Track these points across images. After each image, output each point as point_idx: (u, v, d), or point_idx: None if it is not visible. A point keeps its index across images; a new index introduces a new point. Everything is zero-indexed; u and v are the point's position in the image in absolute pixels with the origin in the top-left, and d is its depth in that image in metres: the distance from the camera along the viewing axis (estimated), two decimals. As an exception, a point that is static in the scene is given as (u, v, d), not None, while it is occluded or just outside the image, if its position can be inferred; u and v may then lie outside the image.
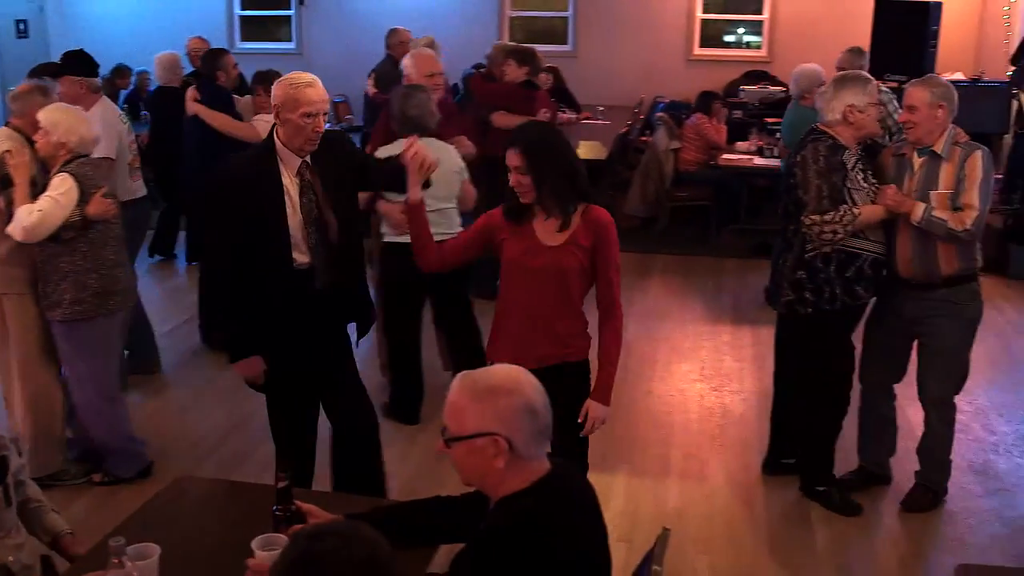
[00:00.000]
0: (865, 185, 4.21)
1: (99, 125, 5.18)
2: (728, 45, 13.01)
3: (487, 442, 2.20)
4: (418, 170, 3.49)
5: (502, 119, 6.98)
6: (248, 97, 6.37)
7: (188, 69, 7.97)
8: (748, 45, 12.94)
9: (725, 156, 9.19)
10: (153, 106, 8.31)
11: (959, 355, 4.36)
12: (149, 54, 8.11)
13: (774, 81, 12.07)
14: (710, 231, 9.18)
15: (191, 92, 6.26)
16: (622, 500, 4.56)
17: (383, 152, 4.68)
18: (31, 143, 4.44)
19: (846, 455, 4.70)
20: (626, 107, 11.52)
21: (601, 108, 10.97)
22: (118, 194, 5.30)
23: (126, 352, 5.72)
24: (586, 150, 8.91)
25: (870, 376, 4.58)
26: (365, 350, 4.78)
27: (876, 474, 4.71)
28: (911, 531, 4.39)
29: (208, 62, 6.35)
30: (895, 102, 6.38)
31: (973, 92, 8.26)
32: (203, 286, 6.41)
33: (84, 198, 4.27)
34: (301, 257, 3.62)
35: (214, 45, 7.59)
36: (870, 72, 7.52)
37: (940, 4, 9.92)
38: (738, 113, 10.74)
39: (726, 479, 4.83)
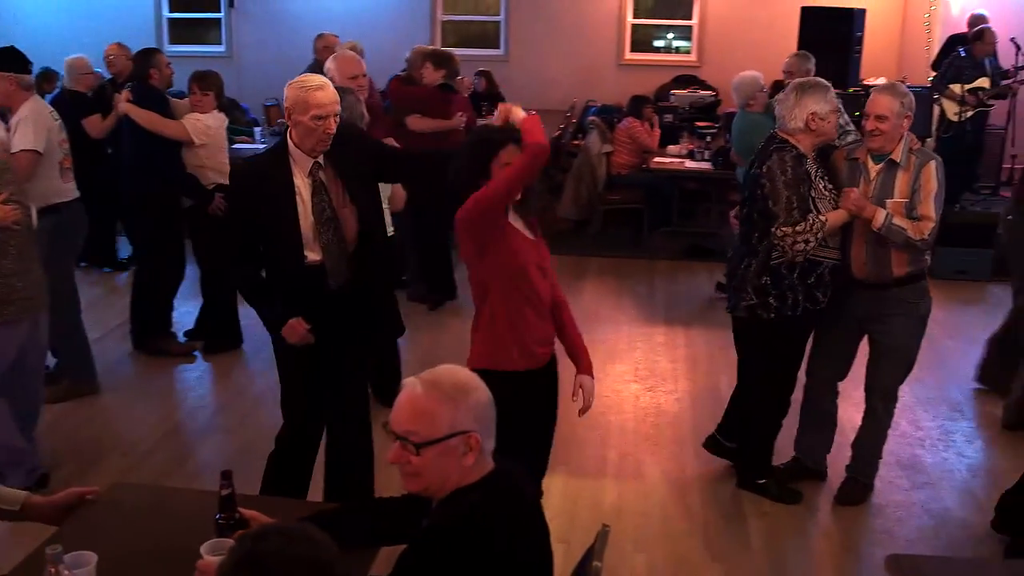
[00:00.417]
0: (826, 193, 4.31)
1: (30, 119, 5.10)
2: (658, 50, 13.16)
3: (460, 441, 2.21)
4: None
5: (417, 123, 6.99)
6: (186, 100, 6.31)
7: (114, 77, 7.81)
8: (678, 50, 13.09)
9: (656, 159, 9.30)
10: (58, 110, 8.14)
11: (911, 350, 4.51)
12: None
13: (704, 85, 12.24)
14: (642, 234, 9.27)
15: (124, 93, 6.18)
16: (559, 500, 4.59)
17: None
18: None
19: (781, 447, 4.82)
20: (558, 111, 11.58)
21: (533, 112, 10.99)
22: (48, 195, 5.23)
23: (55, 362, 5.64)
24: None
25: (817, 372, 4.71)
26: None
27: (810, 468, 4.81)
28: (842, 524, 4.49)
29: (141, 62, 6.28)
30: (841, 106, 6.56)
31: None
32: (138, 289, 6.37)
33: None
34: (313, 256, 3.68)
35: (142, 47, 7.48)
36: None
37: (864, 11, 10.16)
38: (669, 117, 10.87)
39: (662, 477, 4.89)
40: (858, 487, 4.67)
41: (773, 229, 4.23)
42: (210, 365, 6.26)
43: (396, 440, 2.25)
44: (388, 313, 3.97)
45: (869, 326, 4.50)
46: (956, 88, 9.14)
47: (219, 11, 13.07)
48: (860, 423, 4.68)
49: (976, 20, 9.60)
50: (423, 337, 6.70)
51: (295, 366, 3.87)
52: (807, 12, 10.35)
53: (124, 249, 8.34)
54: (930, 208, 4.21)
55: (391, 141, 5.56)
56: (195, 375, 6.14)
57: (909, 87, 8.62)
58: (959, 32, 9.92)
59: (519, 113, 3.41)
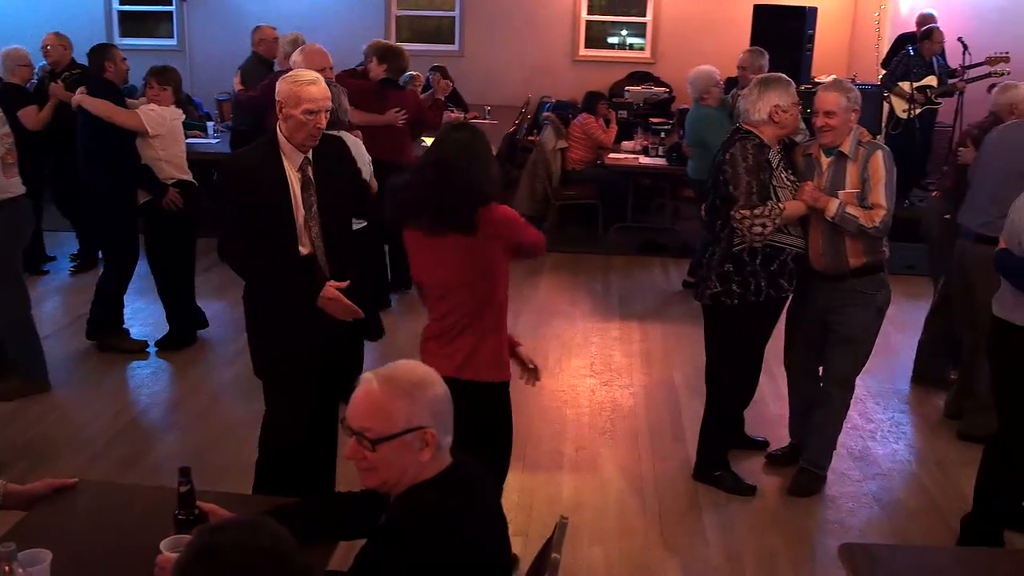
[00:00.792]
0: (788, 183, 4.43)
1: None
2: (612, 47, 13.22)
3: (416, 436, 2.20)
4: None
5: (356, 116, 6.97)
6: (142, 99, 6.26)
7: (51, 67, 7.70)
8: (632, 47, 13.16)
9: (611, 155, 9.34)
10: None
11: (866, 341, 4.61)
12: (26, 50, 7.83)
13: (658, 82, 12.33)
14: (598, 229, 9.31)
15: (80, 89, 6.12)
16: (516, 494, 4.61)
17: None
18: None
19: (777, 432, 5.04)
20: (513, 107, 11.61)
21: (488, 108, 11.03)
22: None
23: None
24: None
25: (793, 361, 4.86)
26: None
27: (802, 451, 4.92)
28: (796, 516, 4.55)
29: (96, 56, 6.22)
30: None
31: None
32: (104, 282, 6.29)
33: None
34: (304, 248, 3.71)
35: (92, 40, 7.39)
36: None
37: (815, 10, 10.28)
38: (623, 113, 10.92)
39: (618, 471, 4.92)
40: (810, 478, 4.74)
41: (732, 212, 4.34)
42: (164, 361, 6.20)
43: (352, 436, 2.25)
44: (371, 312, 3.97)
45: (827, 316, 4.60)
46: (905, 86, 9.28)
47: (170, 4, 12.93)
48: (817, 411, 4.76)
49: (925, 19, 9.74)
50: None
51: (300, 371, 3.82)
52: (759, 10, 10.46)
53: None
54: (880, 196, 4.33)
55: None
56: (149, 371, 6.08)
57: (859, 85, 8.75)
58: (908, 31, 10.06)
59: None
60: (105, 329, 6.30)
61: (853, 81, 9.92)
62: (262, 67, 8.11)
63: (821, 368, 4.84)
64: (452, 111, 9.56)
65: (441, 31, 13.14)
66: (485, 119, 10.61)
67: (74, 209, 7.86)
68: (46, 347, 5.79)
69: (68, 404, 5.56)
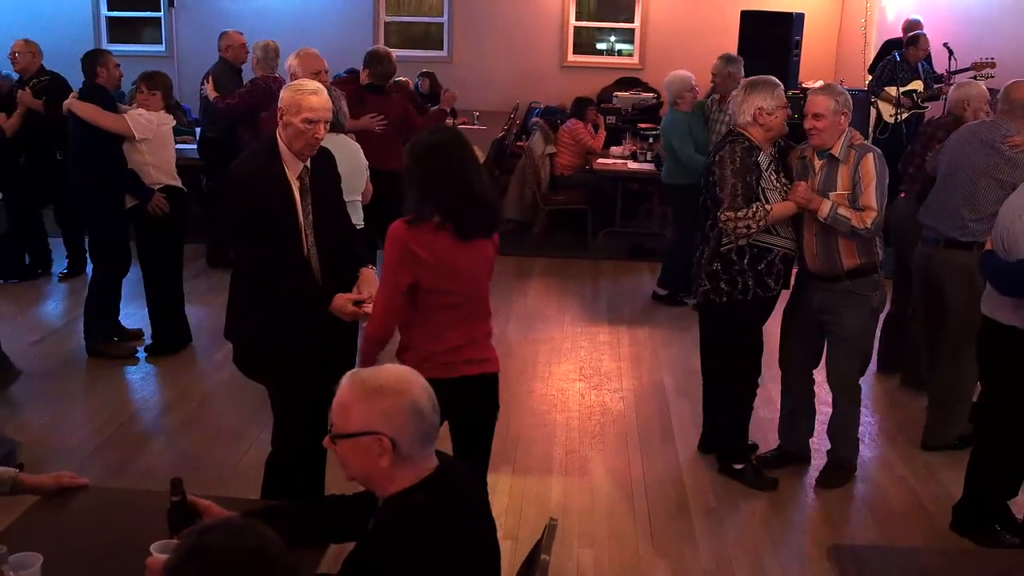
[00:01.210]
0: (778, 185, 4.50)
1: None
2: (601, 52, 13.25)
3: (371, 441, 2.20)
4: None
5: None
6: (134, 105, 6.27)
7: (19, 74, 7.69)
8: (620, 52, 13.20)
9: (600, 160, 9.37)
10: None
11: (861, 341, 4.67)
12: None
13: (646, 87, 12.36)
14: (586, 234, 9.33)
15: (73, 94, 6.16)
16: (506, 498, 4.62)
17: None
18: None
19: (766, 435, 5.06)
20: (502, 112, 11.62)
21: (477, 113, 11.05)
22: None
23: None
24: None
25: (787, 362, 4.90)
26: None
27: (795, 454, 4.98)
28: (784, 519, 4.58)
29: (89, 61, 6.23)
30: None
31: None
32: (93, 285, 6.28)
33: None
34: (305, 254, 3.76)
35: (81, 47, 7.39)
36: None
37: (802, 15, 10.34)
38: (611, 119, 10.95)
39: (607, 475, 4.94)
40: (839, 471, 4.84)
41: (718, 213, 4.43)
42: (154, 367, 6.20)
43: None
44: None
45: (822, 317, 4.66)
46: (891, 90, 9.34)
47: (158, 10, 12.90)
48: (831, 411, 4.87)
49: (911, 26, 9.79)
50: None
51: (302, 371, 3.82)
52: (747, 16, 10.50)
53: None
54: (871, 198, 4.37)
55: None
56: (139, 376, 6.07)
57: (847, 90, 8.75)
58: (895, 37, 10.12)
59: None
60: (97, 333, 6.29)
61: (840, 86, 10.03)
62: (230, 73, 8.15)
63: (814, 369, 4.90)
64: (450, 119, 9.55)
65: (430, 37, 13.15)
66: (474, 124, 10.62)
67: (59, 216, 7.87)
68: (39, 351, 5.79)
69: (59, 409, 5.55)
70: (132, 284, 6.51)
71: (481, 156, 9.14)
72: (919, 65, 9.38)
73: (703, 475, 4.92)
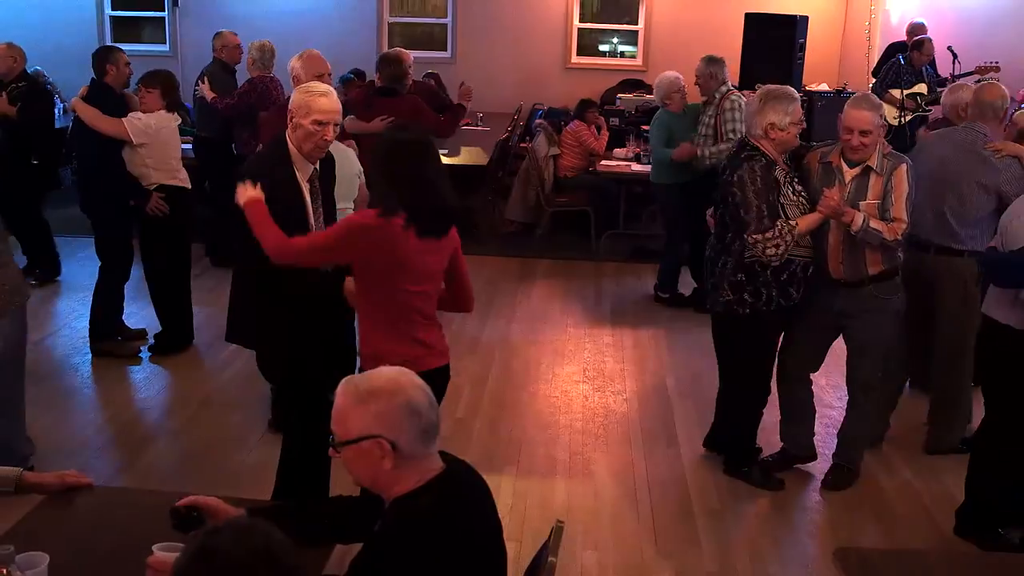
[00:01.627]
0: (795, 199, 4.47)
1: None
2: (604, 54, 13.26)
3: (372, 445, 2.21)
4: None
5: (349, 124, 6.99)
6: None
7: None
8: (623, 54, 13.20)
9: (603, 162, 9.36)
10: None
11: (886, 343, 4.69)
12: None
13: (649, 90, 12.33)
14: (590, 236, 9.33)
15: (82, 90, 6.16)
16: (510, 499, 4.61)
17: None
18: None
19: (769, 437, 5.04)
20: (505, 114, 11.62)
21: (480, 114, 11.05)
22: None
23: None
24: (467, 156, 9.00)
25: (790, 366, 4.87)
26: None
27: (798, 455, 4.97)
28: (788, 521, 4.58)
29: (99, 58, 6.24)
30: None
31: (838, 103, 8.60)
32: (98, 282, 6.29)
33: None
34: None
35: (85, 46, 7.42)
36: (740, 81, 7.78)
37: (807, 18, 10.34)
38: (615, 121, 10.94)
39: (611, 477, 4.93)
40: (845, 473, 4.85)
41: (745, 236, 4.41)
42: (157, 366, 6.20)
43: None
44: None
45: (844, 322, 4.66)
46: (896, 93, 9.34)
47: (163, 10, 12.92)
48: (845, 413, 4.89)
49: (915, 29, 9.80)
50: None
51: (314, 369, 3.84)
52: (751, 18, 10.51)
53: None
54: (902, 211, 4.38)
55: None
56: (142, 376, 6.08)
57: (850, 93, 8.76)
58: (899, 40, 10.13)
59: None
60: (101, 332, 6.30)
61: (843, 89, 10.04)
62: (224, 73, 8.21)
63: (813, 374, 4.91)
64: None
65: (433, 38, 13.15)
66: (477, 126, 10.63)
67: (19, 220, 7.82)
68: (41, 351, 5.79)
69: (62, 408, 5.55)
70: (137, 283, 6.51)
71: (485, 157, 9.16)
72: (923, 69, 9.39)
73: (707, 477, 4.92)
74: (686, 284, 7.66)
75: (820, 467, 4.97)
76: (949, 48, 9.09)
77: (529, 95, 12.42)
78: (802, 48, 10.21)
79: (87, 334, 6.39)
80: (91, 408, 5.60)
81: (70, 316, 6.93)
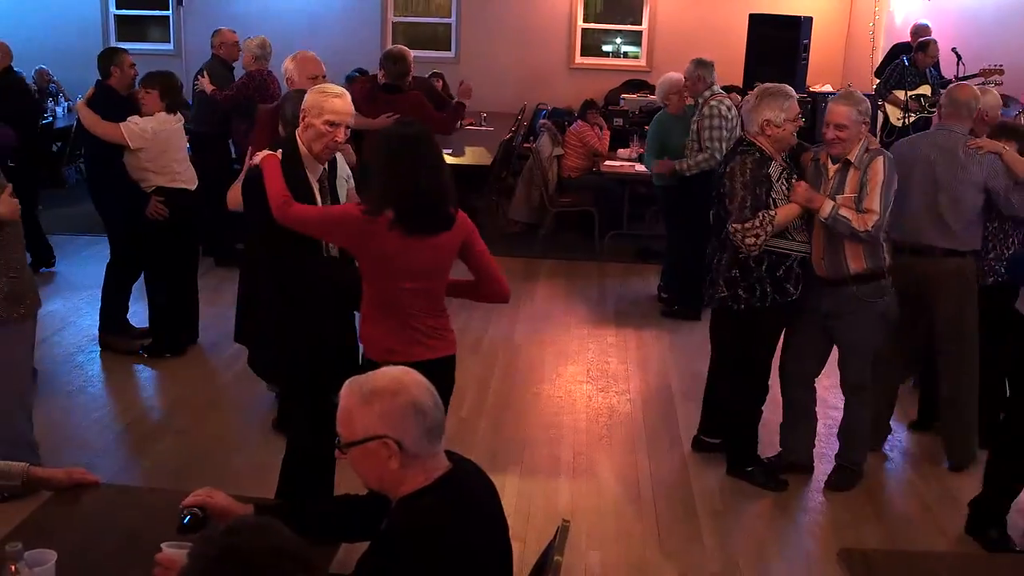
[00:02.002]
0: (787, 194, 4.48)
1: None
2: (608, 55, 13.26)
3: (378, 445, 2.22)
4: None
5: (354, 120, 7.01)
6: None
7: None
8: (627, 55, 13.20)
9: (607, 163, 9.37)
10: None
11: (869, 345, 4.66)
12: (24, 54, 7.85)
13: (653, 90, 12.33)
14: (593, 237, 9.33)
15: (89, 92, 6.18)
16: (514, 499, 4.62)
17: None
18: None
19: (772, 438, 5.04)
20: (509, 114, 11.62)
21: (484, 114, 11.06)
22: None
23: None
24: (471, 156, 9.01)
25: (790, 368, 4.87)
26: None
27: (795, 463, 4.95)
28: (792, 522, 4.59)
29: (103, 60, 6.27)
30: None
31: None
32: (105, 278, 6.32)
33: None
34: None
35: (89, 45, 7.45)
36: (743, 82, 7.77)
37: (811, 19, 10.35)
38: (619, 121, 10.94)
39: (615, 477, 4.94)
40: (847, 474, 4.84)
41: (727, 226, 4.44)
42: (162, 365, 6.20)
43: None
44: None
45: (830, 323, 4.66)
46: (900, 94, 9.35)
47: (167, 9, 12.94)
48: (843, 414, 4.88)
49: (919, 30, 9.80)
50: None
51: (319, 370, 3.85)
52: (755, 19, 10.52)
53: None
54: (874, 201, 4.37)
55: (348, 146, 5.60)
56: (147, 374, 6.09)
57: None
58: (903, 41, 10.13)
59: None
60: (106, 327, 6.34)
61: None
62: (223, 70, 8.28)
63: (816, 377, 4.90)
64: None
65: (438, 38, 13.16)
66: (481, 126, 10.64)
67: None
68: (46, 349, 5.81)
69: (66, 407, 5.57)
70: (142, 283, 6.52)
71: (489, 157, 9.17)
72: (927, 70, 9.39)
73: (710, 477, 4.92)
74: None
75: (825, 468, 4.96)
76: (953, 50, 9.09)
77: (533, 95, 12.43)
78: (806, 49, 10.22)
79: (91, 332, 6.42)
80: (96, 406, 5.60)
81: (74, 314, 6.94)
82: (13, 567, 2.28)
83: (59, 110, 11.32)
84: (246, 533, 1.75)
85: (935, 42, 9.35)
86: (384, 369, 2.35)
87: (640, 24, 12.86)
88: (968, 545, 4.32)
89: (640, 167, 9.22)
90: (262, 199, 3.59)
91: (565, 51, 12.83)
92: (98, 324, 6.40)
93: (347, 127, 3.74)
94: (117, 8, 13.09)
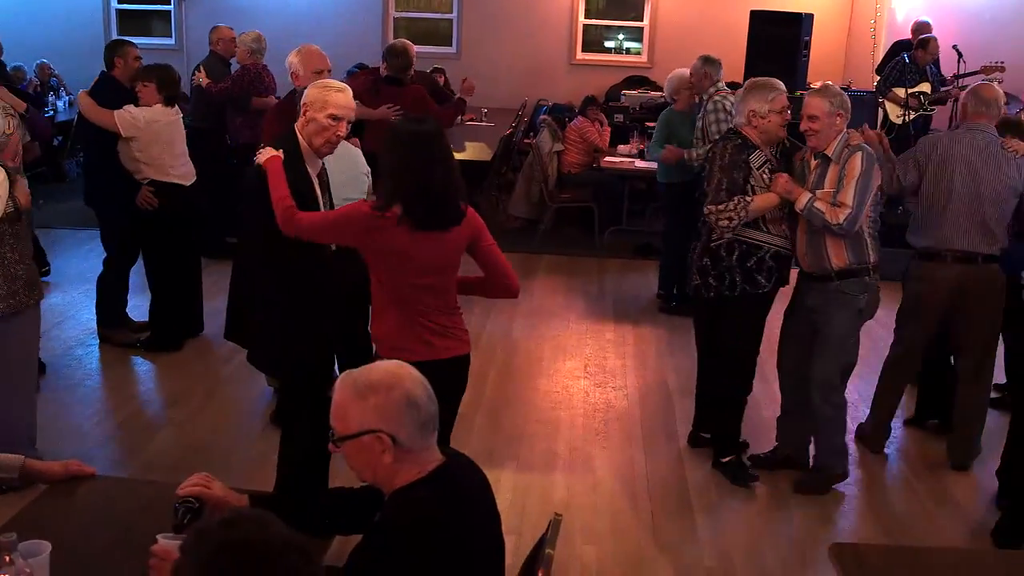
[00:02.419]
0: (768, 184, 4.50)
1: None
2: (609, 51, 13.26)
3: (372, 439, 2.23)
4: None
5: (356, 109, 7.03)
6: None
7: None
8: (628, 51, 13.21)
9: (607, 159, 9.38)
10: None
11: (843, 342, 4.62)
12: (26, 47, 7.87)
13: (654, 86, 12.36)
14: (593, 232, 9.35)
15: (94, 81, 6.22)
16: (510, 494, 4.63)
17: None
18: None
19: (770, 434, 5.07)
20: (510, 109, 11.64)
21: (485, 110, 11.07)
22: None
23: None
24: (471, 151, 9.02)
25: (783, 362, 4.89)
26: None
27: (791, 456, 4.95)
28: (787, 516, 4.59)
29: (108, 51, 6.31)
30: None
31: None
32: (102, 271, 6.35)
33: (11, 188, 4.17)
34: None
35: (92, 39, 7.46)
36: (745, 78, 7.77)
37: (812, 16, 10.34)
38: (619, 117, 10.96)
39: (610, 472, 4.96)
40: (816, 477, 4.81)
41: (703, 206, 4.51)
42: (161, 358, 6.22)
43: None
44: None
45: (813, 315, 4.65)
46: (900, 91, 9.35)
47: (169, 3, 12.96)
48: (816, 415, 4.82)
49: (920, 27, 9.80)
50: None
51: (320, 365, 3.88)
52: (756, 16, 10.51)
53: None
54: (848, 195, 4.36)
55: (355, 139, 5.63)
56: (146, 368, 6.11)
57: (855, 91, 8.74)
58: (904, 38, 10.12)
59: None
60: (103, 320, 6.36)
61: (849, 87, 10.03)
62: (220, 66, 8.35)
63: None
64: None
65: (439, 33, 13.17)
66: (482, 121, 10.64)
67: None
68: (45, 343, 5.80)
69: (64, 400, 5.58)
70: (142, 277, 6.54)
71: (489, 152, 9.18)
72: (927, 67, 9.39)
73: (706, 472, 4.93)
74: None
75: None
76: (954, 47, 9.09)
77: (534, 91, 12.44)
78: (807, 46, 10.21)
79: (90, 326, 6.45)
80: (94, 399, 5.63)
81: (74, 308, 6.96)
82: (7, 558, 2.29)
83: (60, 104, 11.34)
84: (244, 525, 1.74)
85: (935, 39, 9.35)
86: (378, 363, 2.36)
87: (641, 20, 12.87)
88: (962, 541, 4.34)
89: (640, 163, 9.25)
90: (265, 201, 3.59)
91: (566, 47, 12.84)
92: (96, 318, 6.41)
93: (349, 121, 3.75)
94: (119, 2, 13.10)
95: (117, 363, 6.12)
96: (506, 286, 3.71)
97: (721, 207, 4.44)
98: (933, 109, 9.46)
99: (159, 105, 5.95)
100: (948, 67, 9.42)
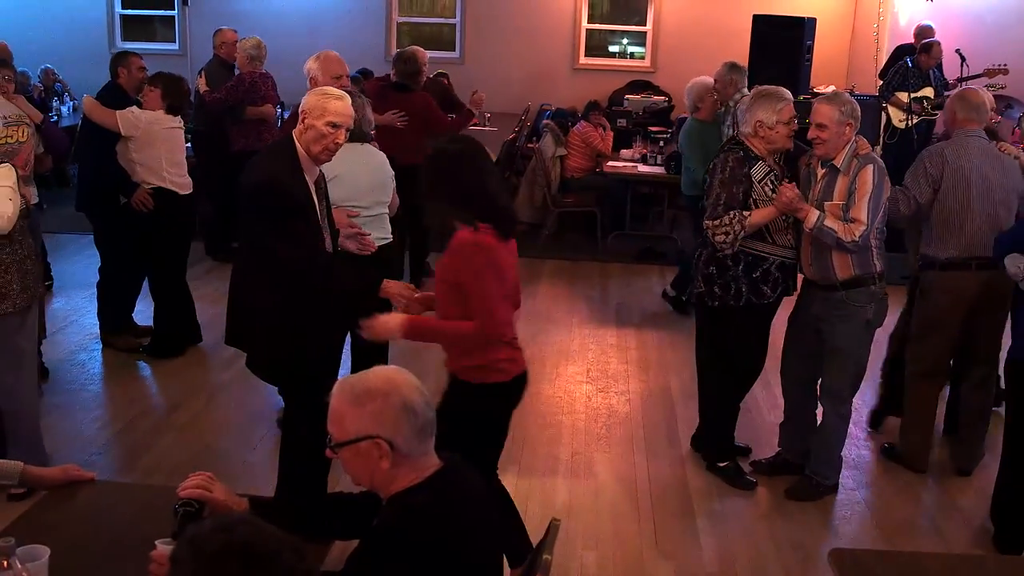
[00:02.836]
0: (769, 196, 4.44)
1: None
2: (612, 55, 13.27)
3: (370, 445, 2.23)
4: None
5: None
6: None
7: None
8: (632, 55, 13.21)
9: (610, 163, 9.37)
10: None
11: (852, 354, 4.58)
12: (30, 53, 7.89)
13: (657, 91, 12.37)
14: (596, 237, 9.35)
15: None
16: (511, 498, 4.63)
17: None
18: None
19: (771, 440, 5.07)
20: (513, 114, 11.64)
21: (488, 115, 11.07)
22: None
23: None
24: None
25: (786, 370, 4.89)
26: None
27: (792, 462, 4.93)
28: (788, 522, 4.58)
29: (113, 61, 6.35)
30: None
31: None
32: (100, 278, 6.37)
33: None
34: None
35: (96, 45, 7.48)
36: (747, 83, 7.75)
37: (815, 20, 10.33)
38: (622, 122, 10.96)
39: (613, 477, 4.95)
40: (807, 485, 4.77)
41: (703, 221, 4.50)
42: (162, 364, 6.23)
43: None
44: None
45: (819, 325, 4.63)
46: (902, 96, 9.34)
47: (172, 8, 12.98)
48: (820, 422, 4.82)
49: (923, 32, 9.80)
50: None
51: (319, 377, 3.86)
52: (759, 20, 10.50)
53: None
54: (861, 211, 4.32)
55: None
56: (147, 373, 6.12)
57: (858, 95, 8.71)
58: (907, 42, 10.12)
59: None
60: (105, 326, 6.38)
61: (852, 92, 10.02)
62: (223, 70, 8.36)
63: (815, 377, 4.87)
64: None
65: (442, 38, 13.18)
66: (485, 126, 10.65)
67: None
68: (47, 347, 5.83)
69: (66, 405, 5.59)
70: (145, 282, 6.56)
71: (492, 157, 9.17)
72: (930, 72, 9.39)
73: (707, 478, 4.93)
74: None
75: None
76: (957, 51, 9.08)
77: (537, 95, 12.44)
78: (810, 50, 10.20)
79: (93, 330, 6.47)
80: (96, 404, 5.63)
81: (76, 313, 6.97)
82: (5, 563, 2.29)
83: (64, 109, 11.36)
84: (240, 528, 1.74)
85: (938, 43, 9.34)
86: (375, 369, 2.36)
87: (644, 25, 12.87)
88: (964, 547, 4.33)
89: (644, 168, 9.24)
90: (270, 211, 3.62)
91: (569, 51, 12.85)
92: (98, 323, 6.42)
93: (347, 129, 3.74)
94: (123, 8, 13.13)
95: (119, 368, 6.13)
96: (518, 298, 3.84)
97: (717, 222, 4.40)
98: (936, 113, 9.45)
99: (161, 112, 5.98)
100: (951, 71, 9.41)
